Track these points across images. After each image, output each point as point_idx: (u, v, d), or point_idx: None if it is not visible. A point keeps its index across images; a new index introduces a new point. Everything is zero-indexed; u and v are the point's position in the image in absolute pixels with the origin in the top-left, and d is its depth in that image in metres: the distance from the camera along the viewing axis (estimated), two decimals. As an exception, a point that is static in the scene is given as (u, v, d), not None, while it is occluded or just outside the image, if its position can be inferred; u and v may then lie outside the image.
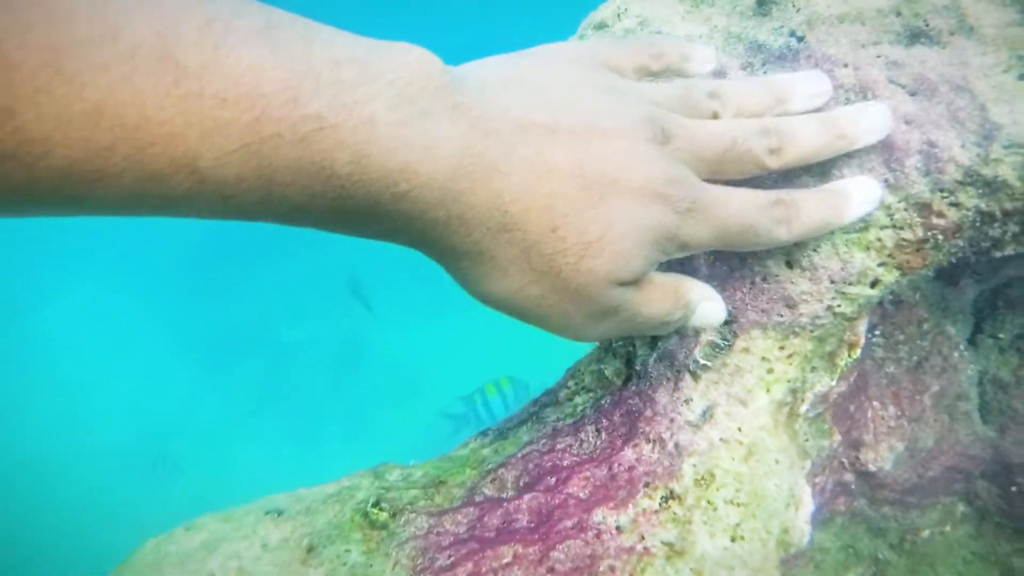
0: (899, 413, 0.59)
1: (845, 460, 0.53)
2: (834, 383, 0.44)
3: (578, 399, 0.48)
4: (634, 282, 0.37)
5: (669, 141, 0.37)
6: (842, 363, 0.44)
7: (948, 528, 0.67)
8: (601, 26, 0.48)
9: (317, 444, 4.62)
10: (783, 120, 0.40)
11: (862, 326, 0.45)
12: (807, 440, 0.46)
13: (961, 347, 0.62)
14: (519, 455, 0.45)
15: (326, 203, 0.29)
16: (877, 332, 0.61)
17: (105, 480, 4.60)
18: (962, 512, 0.66)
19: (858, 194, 0.40)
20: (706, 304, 0.41)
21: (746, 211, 0.38)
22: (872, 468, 0.58)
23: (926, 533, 0.67)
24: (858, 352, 0.45)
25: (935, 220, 0.40)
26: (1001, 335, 0.63)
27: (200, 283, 6.12)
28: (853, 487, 0.56)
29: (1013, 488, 0.62)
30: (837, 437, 0.50)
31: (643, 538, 0.37)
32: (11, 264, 6.71)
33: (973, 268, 0.60)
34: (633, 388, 0.45)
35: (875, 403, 0.59)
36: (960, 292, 0.62)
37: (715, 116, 0.40)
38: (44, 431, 4.96)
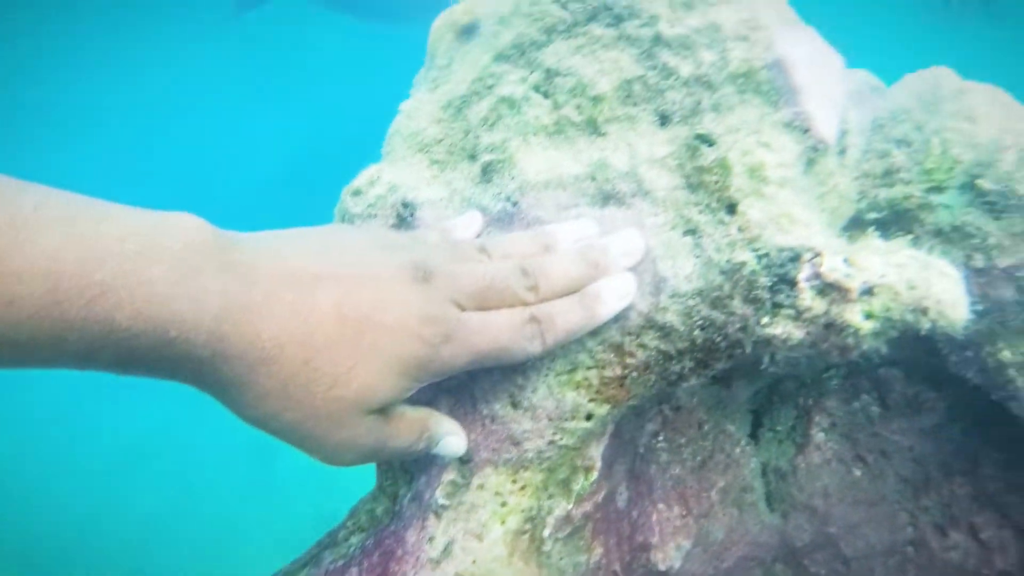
0: (684, 512, 0.64)
1: (618, 568, 0.57)
2: (571, 506, 0.48)
3: (353, 539, 0.51)
4: (384, 411, 0.42)
5: (430, 280, 0.42)
6: (577, 487, 0.49)
7: (759, 613, 0.71)
8: (357, 192, 0.53)
9: (274, 466, 4.38)
10: (540, 260, 0.45)
11: (595, 451, 0.49)
12: (562, 559, 0.50)
13: (743, 442, 0.68)
14: (287, 601, 0.47)
15: (112, 353, 0.35)
16: (660, 438, 0.66)
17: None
18: (769, 596, 0.70)
19: (608, 293, 0.45)
20: (449, 438, 0.46)
21: (500, 335, 0.42)
22: (662, 568, 0.62)
23: (739, 620, 0.71)
24: (595, 475, 0.49)
25: (628, 359, 0.45)
26: (779, 427, 0.69)
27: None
28: (631, 592, 0.59)
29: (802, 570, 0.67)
30: (599, 550, 0.54)
31: None
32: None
33: (742, 372, 0.67)
34: (392, 528, 0.48)
35: (660, 505, 0.63)
36: (734, 393, 0.67)
37: None
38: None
